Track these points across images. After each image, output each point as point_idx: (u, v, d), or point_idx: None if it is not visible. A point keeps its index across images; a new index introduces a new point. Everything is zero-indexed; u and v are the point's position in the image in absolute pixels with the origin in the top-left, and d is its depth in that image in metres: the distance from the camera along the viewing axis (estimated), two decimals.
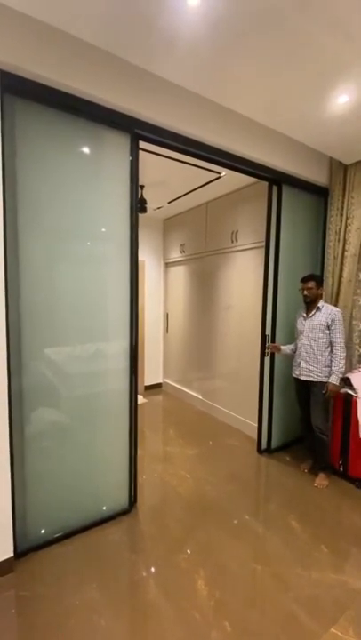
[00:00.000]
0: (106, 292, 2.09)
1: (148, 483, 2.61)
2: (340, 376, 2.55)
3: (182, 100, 2.11)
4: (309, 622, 1.54)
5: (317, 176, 2.99)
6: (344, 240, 2.96)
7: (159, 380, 5.13)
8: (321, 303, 2.63)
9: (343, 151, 2.81)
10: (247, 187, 3.33)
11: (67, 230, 1.92)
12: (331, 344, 2.59)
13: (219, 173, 3.01)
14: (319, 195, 3.15)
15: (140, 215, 3.40)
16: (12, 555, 1.76)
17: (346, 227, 2.94)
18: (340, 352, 2.54)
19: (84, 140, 1.92)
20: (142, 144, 2.14)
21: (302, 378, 2.68)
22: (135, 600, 1.65)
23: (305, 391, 2.73)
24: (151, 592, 1.68)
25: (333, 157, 2.97)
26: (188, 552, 1.94)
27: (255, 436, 3.18)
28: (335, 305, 2.98)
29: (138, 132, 2.04)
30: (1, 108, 1.59)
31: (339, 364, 2.53)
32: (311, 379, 2.63)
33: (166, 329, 5.00)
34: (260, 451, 3.11)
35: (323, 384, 2.58)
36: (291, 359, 2.88)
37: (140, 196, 3.15)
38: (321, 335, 2.58)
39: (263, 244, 3.02)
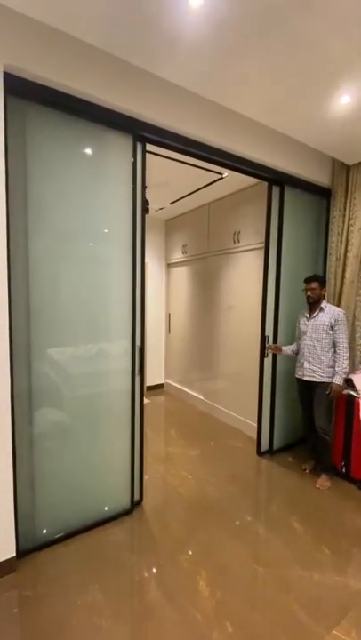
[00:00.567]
0: (110, 292, 2.10)
1: (149, 483, 2.60)
2: (344, 376, 2.54)
3: (184, 101, 2.12)
4: (311, 624, 1.53)
5: (320, 177, 2.99)
6: (347, 241, 2.95)
7: (161, 381, 5.13)
8: (324, 304, 2.63)
9: (346, 152, 2.80)
10: (249, 187, 3.33)
11: (70, 231, 1.93)
12: (334, 344, 2.58)
13: (221, 174, 3.02)
14: (322, 195, 3.14)
15: None
16: (14, 554, 1.77)
17: (348, 227, 2.94)
18: (343, 352, 2.53)
19: (87, 142, 1.93)
20: (146, 146, 2.14)
21: (306, 378, 2.67)
22: (137, 600, 1.65)
23: (308, 392, 2.72)
24: (153, 592, 1.68)
25: (336, 158, 2.96)
26: (190, 552, 1.93)
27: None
28: (338, 306, 2.97)
29: (140, 133, 2.05)
30: (4, 111, 1.60)
31: (342, 365, 2.52)
32: (315, 379, 2.62)
33: (168, 329, 5.00)
34: (259, 453, 3.09)
35: (326, 384, 2.57)
36: (293, 360, 2.87)
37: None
38: (324, 336, 2.58)
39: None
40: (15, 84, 1.62)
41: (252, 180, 3.00)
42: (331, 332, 2.57)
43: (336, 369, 2.55)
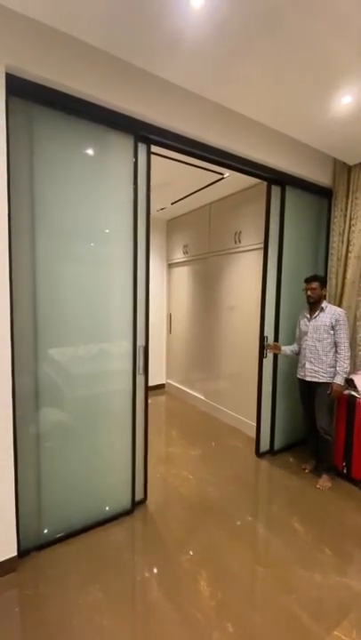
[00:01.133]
0: (112, 292, 2.11)
1: (150, 483, 2.60)
2: (345, 376, 2.54)
3: (185, 102, 2.12)
4: (312, 624, 1.53)
5: (321, 177, 2.99)
6: (348, 241, 2.95)
7: (162, 381, 5.13)
8: (325, 304, 2.63)
9: (347, 152, 2.80)
10: (251, 187, 3.33)
11: (71, 231, 1.93)
12: (335, 344, 2.58)
13: (222, 174, 3.02)
14: (323, 196, 3.14)
15: None
16: (15, 554, 1.77)
17: (350, 228, 2.93)
18: (344, 352, 2.53)
19: (88, 142, 1.93)
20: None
21: (307, 379, 2.67)
22: (137, 600, 1.65)
23: (310, 392, 2.71)
24: (153, 592, 1.68)
25: (337, 158, 2.96)
26: (191, 553, 1.94)
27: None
28: (339, 306, 2.97)
29: (141, 133, 2.05)
30: (6, 112, 1.60)
31: (343, 364, 2.52)
32: (316, 379, 2.62)
33: (169, 330, 5.00)
34: (260, 453, 3.08)
35: (328, 385, 2.57)
36: (294, 360, 2.87)
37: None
38: (326, 336, 2.58)
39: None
40: (17, 85, 1.63)
41: (253, 180, 3.00)
42: (332, 332, 2.57)
43: (337, 369, 2.54)
